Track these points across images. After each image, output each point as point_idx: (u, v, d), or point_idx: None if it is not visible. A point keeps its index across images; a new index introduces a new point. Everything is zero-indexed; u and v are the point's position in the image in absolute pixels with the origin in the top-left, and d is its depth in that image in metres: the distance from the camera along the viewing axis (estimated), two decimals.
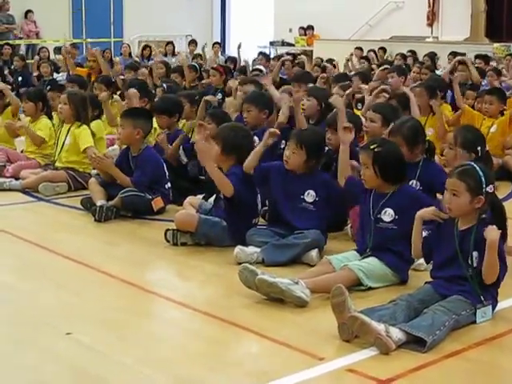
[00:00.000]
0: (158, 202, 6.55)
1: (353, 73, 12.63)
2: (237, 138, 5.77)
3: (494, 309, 4.30)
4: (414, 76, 11.87)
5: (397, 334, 3.88)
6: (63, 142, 7.63)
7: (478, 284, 4.22)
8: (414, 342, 3.89)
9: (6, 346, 4.04)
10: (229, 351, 4.03)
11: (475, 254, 4.21)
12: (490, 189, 4.23)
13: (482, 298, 4.22)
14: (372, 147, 4.87)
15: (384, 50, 17.46)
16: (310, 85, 8.88)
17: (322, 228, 5.49)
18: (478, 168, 4.26)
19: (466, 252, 4.24)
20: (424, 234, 4.52)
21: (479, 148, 5.41)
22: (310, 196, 5.53)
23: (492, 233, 4.13)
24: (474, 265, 4.21)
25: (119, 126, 6.80)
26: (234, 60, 15.13)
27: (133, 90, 7.83)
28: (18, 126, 8.44)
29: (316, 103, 7.25)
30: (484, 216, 4.28)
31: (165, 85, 10.05)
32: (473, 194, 4.21)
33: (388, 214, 4.86)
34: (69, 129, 7.62)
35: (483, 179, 4.22)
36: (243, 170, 5.65)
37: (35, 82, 14.45)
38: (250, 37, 23.94)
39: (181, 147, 7.25)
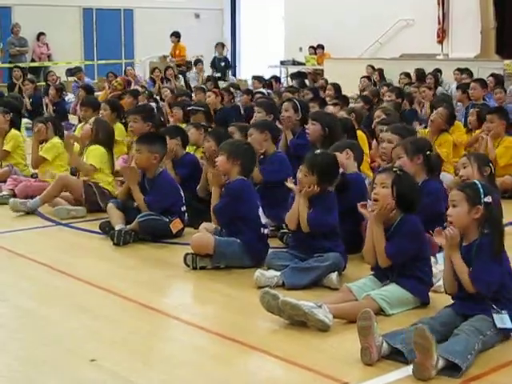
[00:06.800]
0: (176, 224, 6.57)
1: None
2: (240, 147, 5.97)
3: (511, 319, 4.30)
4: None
5: (440, 363, 3.88)
6: None
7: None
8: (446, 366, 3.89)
9: (30, 370, 4.08)
10: (252, 376, 4.04)
11: None
12: (487, 199, 4.29)
13: (494, 306, 4.25)
14: (394, 169, 5.00)
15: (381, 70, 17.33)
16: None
17: (342, 249, 5.51)
18: (477, 181, 4.42)
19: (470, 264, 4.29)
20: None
21: (490, 164, 6.05)
22: None
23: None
24: None
25: (135, 150, 6.82)
26: (234, 86, 14.84)
27: None
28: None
29: (320, 128, 7.15)
30: (486, 231, 4.30)
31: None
32: (471, 204, 4.28)
33: None
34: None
35: (481, 189, 4.31)
36: (245, 183, 5.83)
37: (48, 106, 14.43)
38: (261, 57, 24.05)
39: None
